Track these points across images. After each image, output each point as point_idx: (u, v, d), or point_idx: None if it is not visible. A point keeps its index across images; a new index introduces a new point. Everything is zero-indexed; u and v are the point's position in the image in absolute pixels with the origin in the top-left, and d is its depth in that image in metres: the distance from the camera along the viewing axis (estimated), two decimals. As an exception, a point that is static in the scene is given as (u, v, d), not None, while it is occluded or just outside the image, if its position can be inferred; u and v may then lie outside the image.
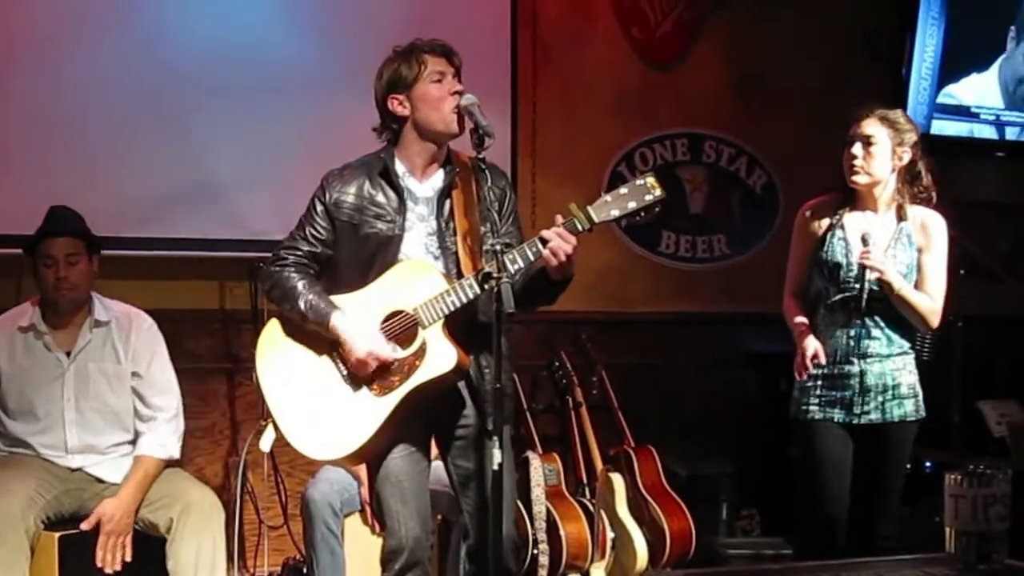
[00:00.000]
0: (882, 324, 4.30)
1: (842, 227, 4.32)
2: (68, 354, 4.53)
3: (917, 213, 4.34)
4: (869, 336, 4.29)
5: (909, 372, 4.36)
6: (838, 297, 4.30)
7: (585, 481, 5.85)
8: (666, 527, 5.54)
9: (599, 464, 5.73)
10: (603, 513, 5.53)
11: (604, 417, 5.98)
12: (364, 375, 3.64)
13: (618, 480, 5.58)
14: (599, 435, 5.86)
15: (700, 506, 5.84)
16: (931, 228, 4.33)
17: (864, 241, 4.20)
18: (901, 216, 4.33)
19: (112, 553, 4.32)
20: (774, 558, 5.63)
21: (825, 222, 4.36)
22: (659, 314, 6.62)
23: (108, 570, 4.31)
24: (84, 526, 4.34)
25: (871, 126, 4.27)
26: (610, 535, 5.51)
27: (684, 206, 6.71)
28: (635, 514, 5.54)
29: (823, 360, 4.28)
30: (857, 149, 4.26)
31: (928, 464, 5.65)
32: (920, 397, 4.37)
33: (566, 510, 5.57)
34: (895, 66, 6.71)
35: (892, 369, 4.31)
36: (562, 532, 5.47)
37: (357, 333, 3.62)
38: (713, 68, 6.76)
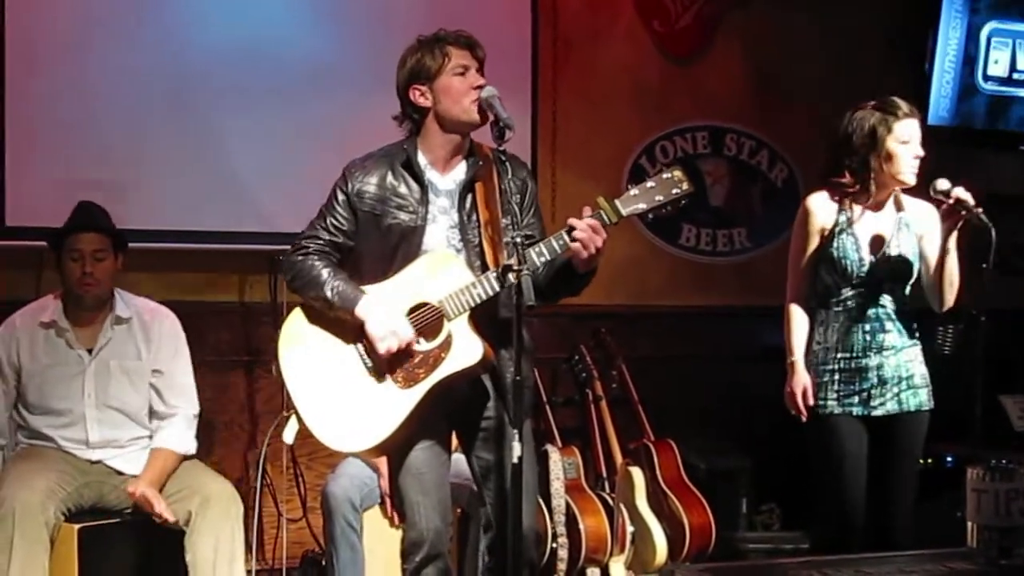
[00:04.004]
0: (894, 316, 4.33)
1: (850, 222, 4.31)
2: (89, 351, 4.54)
3: (911, 202, 4.38)
4: (883, 329, 4.31)
5: (920, 363, 4.39)
6: (850, 293, 4.30)
7: (604, 475, 5.83)
8: (686, 521, 5.53)
9: (619, 458, 5.71)
10: (623, 507, 5.52)
11: (624, 410, 5.97)
12: (388, 361, 3.63)
13: (638, 474, 5.57)
14: (619, 428, 5.85)
15: (720, 500, 5.82)
16: (933, 217, 4.33)
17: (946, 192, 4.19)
18: (899, 206, 4.37)
19: (161, 506, 4.36)
20: (794, 552, 5.61)
21: (831, 218, 4.35)
22: (679, 307, 6.61)
23: (172, 518, 4.36)
24: (133, 493, 4.38)
25: (919, 126, 4.30)
26: (630, 529, 5.50)
27: (704, 199, 6.70)
28: (655, 508, 5.53)
29: (811, 400, 4.32)
30: (920, 149, 4.26)
31: (949, 458, 5.62)
32: (930, 387, 4.40)
33: (585, 504, 5.56)
34: (915, 59, 6.67)
35: (906, 360, 4.34)
36: (581, 526, 5.46)
37: (383, 316, 3.60)
38: (734, 61, 6.74)
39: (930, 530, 4.29)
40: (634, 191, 3.60)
